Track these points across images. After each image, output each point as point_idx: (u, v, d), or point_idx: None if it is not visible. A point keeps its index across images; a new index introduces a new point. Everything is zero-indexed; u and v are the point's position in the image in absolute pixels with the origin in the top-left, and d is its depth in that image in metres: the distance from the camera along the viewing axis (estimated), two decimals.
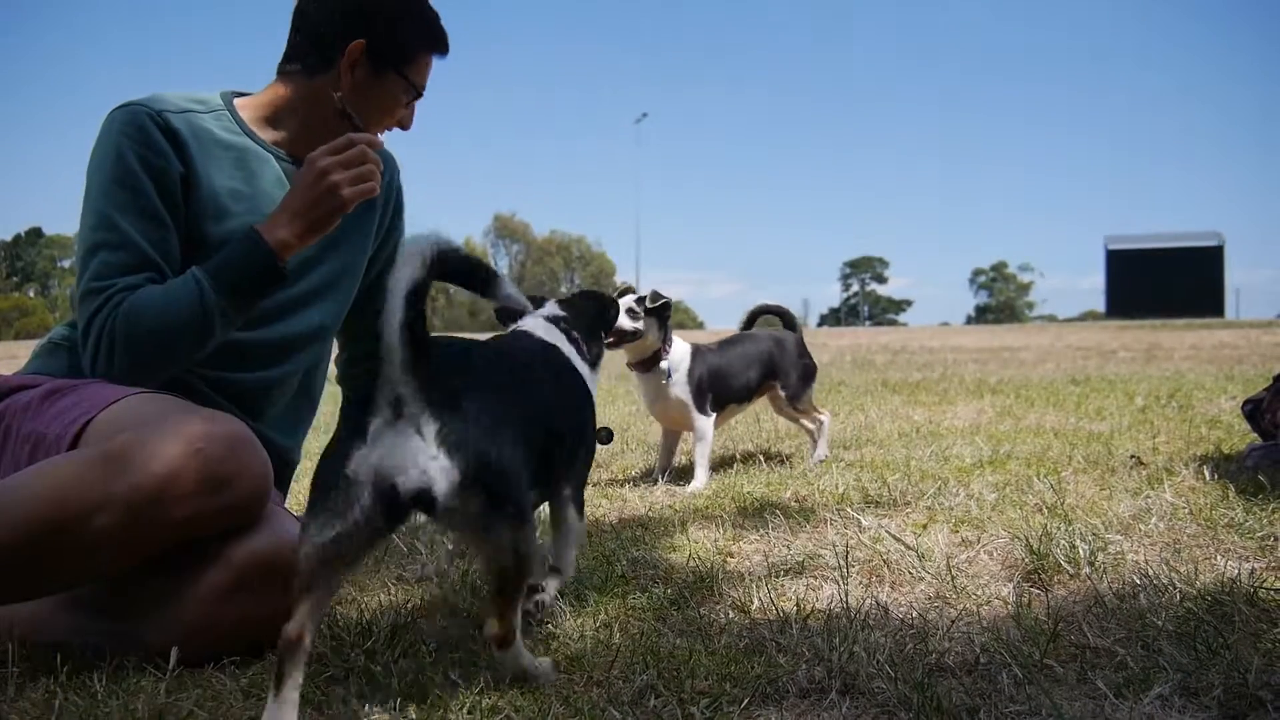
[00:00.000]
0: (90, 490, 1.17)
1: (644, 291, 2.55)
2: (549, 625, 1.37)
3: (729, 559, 1.76)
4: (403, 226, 2.06)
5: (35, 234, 67.86)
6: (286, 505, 1.73)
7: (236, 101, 1.73)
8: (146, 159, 1.55)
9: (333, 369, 2.13)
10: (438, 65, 1.81)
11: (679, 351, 2.62)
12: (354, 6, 1.69)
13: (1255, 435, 2.60)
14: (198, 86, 1.76)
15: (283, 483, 1.89)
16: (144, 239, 1.54)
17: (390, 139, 1.84)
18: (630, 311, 2.46)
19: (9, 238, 68.34)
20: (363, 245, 1.92)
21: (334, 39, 1.68)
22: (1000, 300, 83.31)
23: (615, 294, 2.44)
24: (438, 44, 1.77)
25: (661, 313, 2.56)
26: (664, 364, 2.55)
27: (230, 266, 1.53)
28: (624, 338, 2.49)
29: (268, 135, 1.71)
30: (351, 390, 2.23)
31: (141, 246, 1.53)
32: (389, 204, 1.99)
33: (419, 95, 1.78)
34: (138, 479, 1.18)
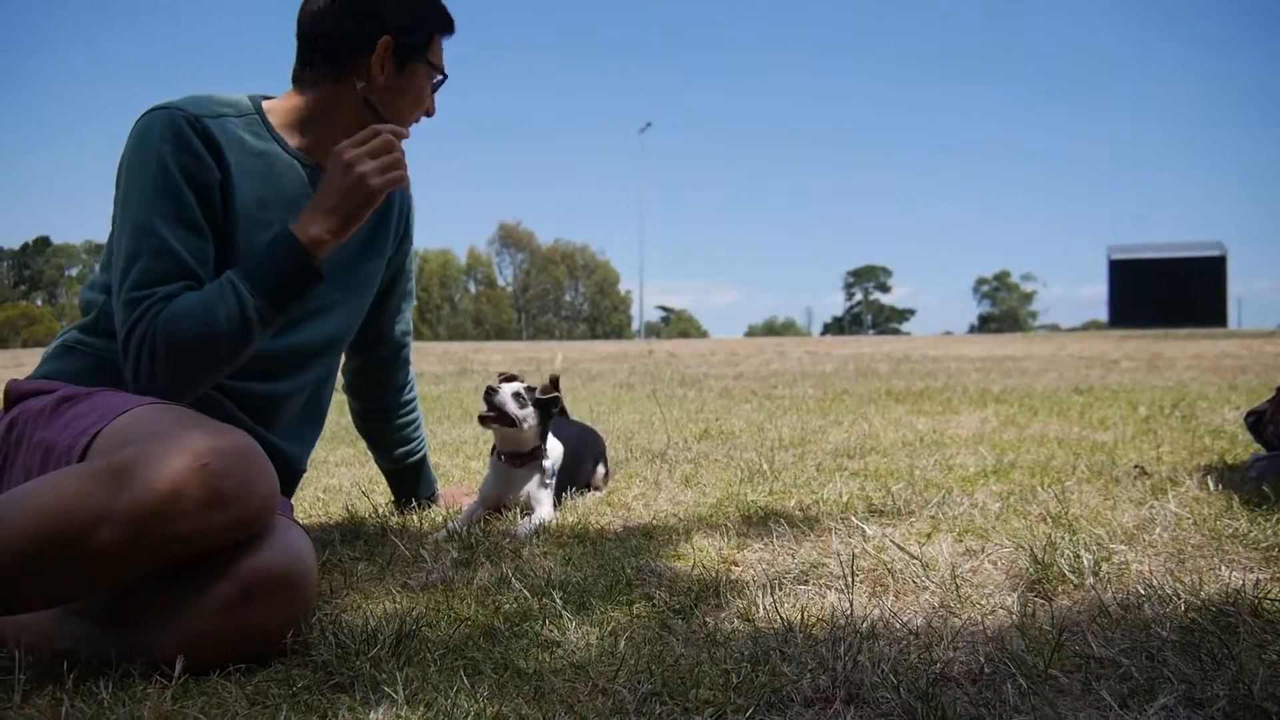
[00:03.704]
0: (93, 504, 1.17)
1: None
2: (554, 632, 1.37)
3: (733, 567, 1.76)
4: (413, 236, 2.07)
5: (43, 243, 68.16)
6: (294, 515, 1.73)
7: (265, 105, 1.73)
8: (188, 167, 1.55)
9: (340, 378, 2.14)
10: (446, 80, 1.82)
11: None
12: (372, 5, 1.69)
13: (1258, 446, 2.60)
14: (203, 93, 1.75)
15: (289, 490, 1.89)
16: (184, 248, 1.54)
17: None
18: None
19: (16, 246, 68.70)
20: (379, 257, 1.93)
21: (358, 40, 1.69)
22: (1003, 309, 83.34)
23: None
24: (448, 23, 1.79)
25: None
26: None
27: (266, 268, 1.54)
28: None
29: (294, 141, 1.72)
30: (358, 399, 2.24)
31: (181, 255, 1.54)
32: (402, 216, 2.00)
33: (445, 78, 1.79)
34: (140, 494, 1.18)
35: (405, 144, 1.73)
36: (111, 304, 1.56)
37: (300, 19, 1.73)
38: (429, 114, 1.82)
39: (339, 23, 1.70)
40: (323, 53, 1.71)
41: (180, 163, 1.55)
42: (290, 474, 1.85)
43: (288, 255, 1.54)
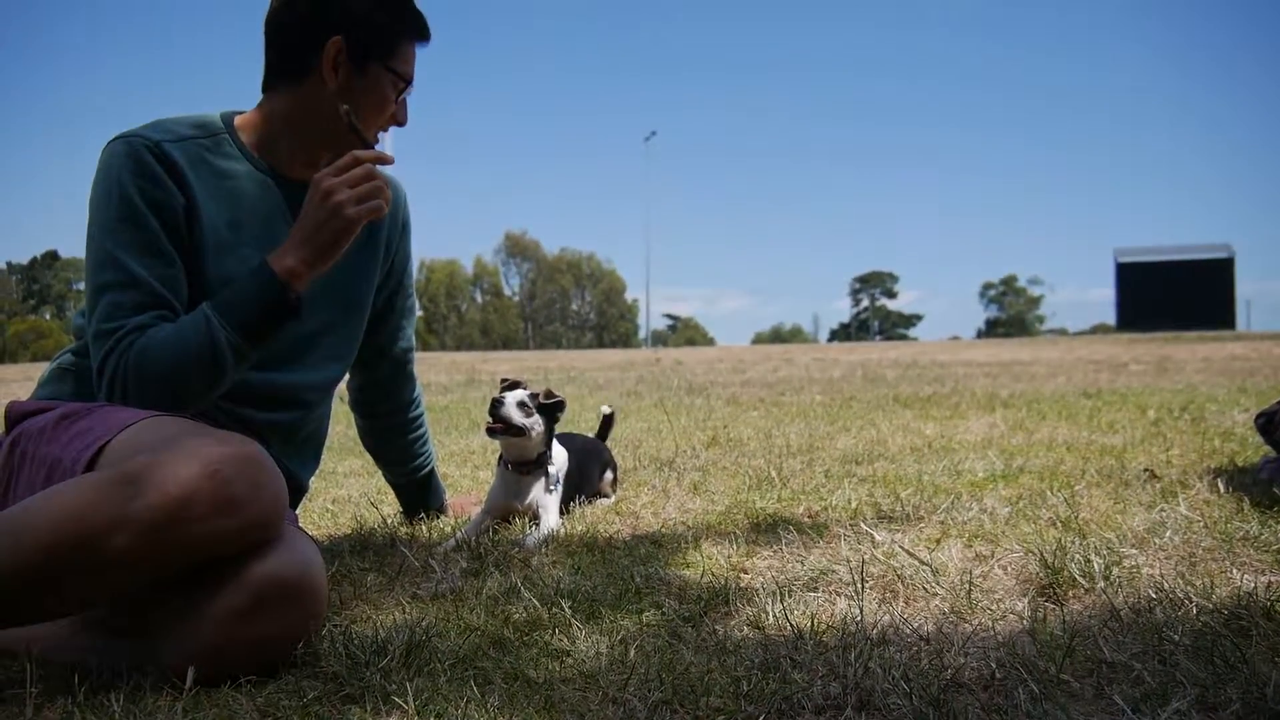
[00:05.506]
0: (106, 511, 1.18)
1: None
2: (564, 642, 1.37)
3: (742, 575, 1.75)
4: (409, 252, 2.05)
5: (51, 257, 68.52)
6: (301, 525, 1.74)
7: (236, 121, 1.70)
8: (148, 193, 1.53)
9: (343, 390, 2.14)
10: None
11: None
12: (324, 4, 1.64)
13: (1269, 448, 2.58)
14: (209, 106, 1.73)
15: (292, 505, 1.90)
16: (151, 276, 1.52)
17: (403, 156, 1.82)
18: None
19: (25, 261, 69.11)
20: (368, 279, 1.91)
21: (310, 41, 1.63)
22: (1010, 314, 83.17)
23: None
24: (418, 30, 1.72)
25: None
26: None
27: (240, 300, 1.52)
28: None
29: (267, 156, 1.69)
30: (364, 415, 2.24)
31: (149, 284, 1.52)
32: (394, 237, 1.98)
33: (408, 86, 1.72)
34: (153, 500, 1.18)
35: (400, 158, 1.71)
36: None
37: (266, 19, 1.68)
38: (399, 123, 1.75)
39: (290, 23, 1.65)
40: (280, 57, 1.67)
41: (142, 190, 1.52)
42: (294, 489, 1.85)
43: (262, 287, 1.51)
